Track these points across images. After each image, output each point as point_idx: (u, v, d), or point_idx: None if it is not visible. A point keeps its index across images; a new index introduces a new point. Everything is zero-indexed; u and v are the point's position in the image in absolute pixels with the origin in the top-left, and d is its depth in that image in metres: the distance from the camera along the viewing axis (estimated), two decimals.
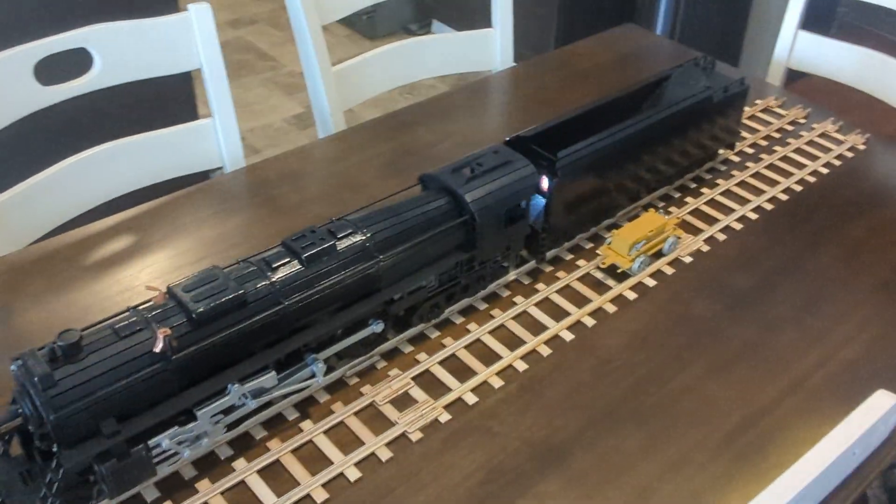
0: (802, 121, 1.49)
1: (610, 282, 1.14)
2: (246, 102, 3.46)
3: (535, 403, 0.98)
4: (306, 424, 0.94)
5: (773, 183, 1.33)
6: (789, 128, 1.47)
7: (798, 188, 1.32)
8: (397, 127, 1.49)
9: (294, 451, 0.91)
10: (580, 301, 1.11)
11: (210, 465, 0.90)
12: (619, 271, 1.14)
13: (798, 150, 1.40)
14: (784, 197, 1.30)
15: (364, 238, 0.94)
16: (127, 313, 0.84)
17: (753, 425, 0.95)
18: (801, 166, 1.36)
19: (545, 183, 1.08)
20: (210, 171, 1.47)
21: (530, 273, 1.16)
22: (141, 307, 0.85)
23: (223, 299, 0.84)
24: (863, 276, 1.16)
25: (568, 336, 1.06)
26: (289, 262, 0.90)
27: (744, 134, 1.44)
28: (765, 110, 1.51)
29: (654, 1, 2.65)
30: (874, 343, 1.06)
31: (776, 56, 1.70)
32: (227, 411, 0.88)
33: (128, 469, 0.81)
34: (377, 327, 0.98)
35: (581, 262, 1.17)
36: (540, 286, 1.13)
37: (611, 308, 1.10)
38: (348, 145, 1.46)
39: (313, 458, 0.91)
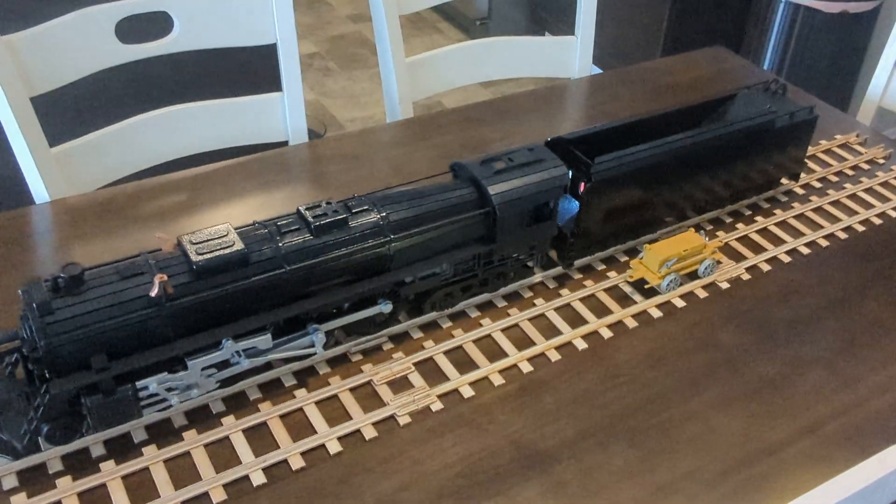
0: (882, 161, 1.40)
1: (637, 297, 1.11)
2: (352, 93, 3.54)
3: (532, 406, 0.96)
4: (300, 393, 0.95)
5: (835, 220, 1.26)
6: (865, 166, 1.39)
7: (860, 228, 1.25)
8: (461, 122, 1.49)
9: (282, 417, 0.93)
10: (602, 312, 1.08)
11: (200, 418, 0.92)
12: (646, 287, 1.11)
13: (869, 190, 1.32)
14: (843, 235, 1.23)
15: (378, 217, 0.94)
16: (137, 258, 0.87)
17: (755, 464, 0.91)
18: (868, 206, 1.29)
19: (579, 187, 1.06)
20: (275, 143, 1.51)
21: (557, 278, 1.13)
22: (151, 253, 0.88)
23: (225, 254, 0.86)
24: None
25: (581, 345, 1.04)
26: (298, 229, 0.91)
27: (814, 167, 1.37)
28: (843, 146, 1.43)
29: (763, 33, 2.55)
30: None
31: (869, 94, 1.62)
32: (220, 366, 0.90)
33: (113, 406, 0.84)
34: (385, 307, 0.98)
35: (612, 274, 1.14)
36: (564, 292, 1.11)
37: (632, 323, 1.07)
38: (410, 133, 1.47)
39: (300, 426, 0.92)
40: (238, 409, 0.93)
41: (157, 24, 1.37)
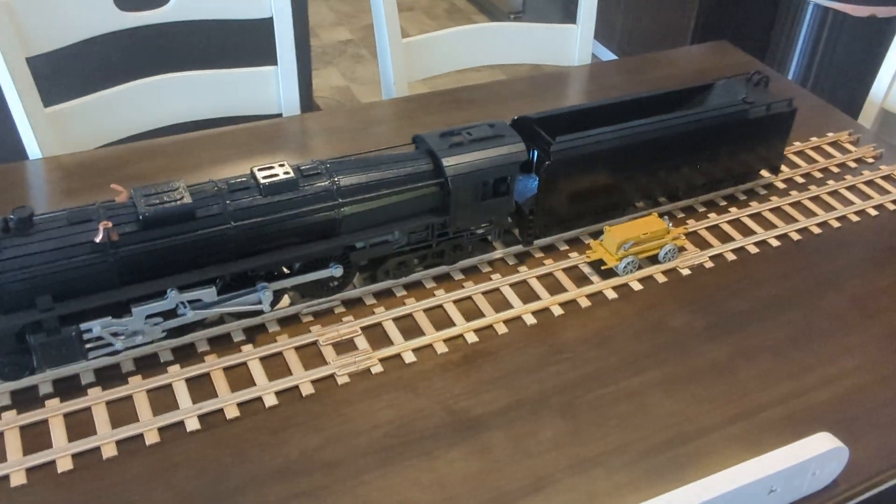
0: (871, 160, 1.38)
1: (595, 278, 1.11)
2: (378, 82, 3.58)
3: (471, 376, 0.97)
4: (247, 348, 0.98)
5: (811, 214, 1.24)
6: (853, 164, 1.37)
7: (836, 224, 1.23)
8: (452, 103, 1.50)
9: (226, 369, 0.96)
10: (557, 290, 1.09)
11: (147, 365, 0.95)
12: (604, 268, 1.11)
13: (852, 188, 1.31)
14: (817, 230, 1.22)
15: (329, 181, 0.96)
16: (90, 206, 0.91)
17: (683, 444, 0.91)
18: (848, 203, 1.27)
19: (539, 165, 1.07)
20: (268, 116, 1.54)
21: (518, 255, 1.14)
22: (105, 203, 0.91)
23: (171, 207, 0.89)
24: (871, 323, 1.07)
25: (530, 320, 1.05)
26: (248, 189, 0.94)
27: (799, 162, 1.36)
28: (833, 143, 1.42)
29: (790, 35, 2.51)
30: (855, 392, 0.98)
31: (871, 96, 1.59)
32: (166, 316, 0.93)
33: (57, 345, 0.88)
34: (336, 271, 1.01)
35: (573, 255, 1.14)
36: (522, 269, 1.12)
37: (585, 303, 1.08)
38: (399, 112, 1.49)
39: (241, 379, 0.95)
40: (185, 359, 0.96)
41: None
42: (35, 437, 0.87)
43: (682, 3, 2.76)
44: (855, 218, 1.25)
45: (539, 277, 1.11)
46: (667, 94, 1.21)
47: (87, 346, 0.90)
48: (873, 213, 1.26)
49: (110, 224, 0.86)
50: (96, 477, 0.84)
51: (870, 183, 1.32)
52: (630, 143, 1.11)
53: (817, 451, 0.84)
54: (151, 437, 0.87)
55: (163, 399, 0.92)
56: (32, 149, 1.34)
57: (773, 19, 2.59)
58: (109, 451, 0.86)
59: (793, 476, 0.84)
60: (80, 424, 0.88)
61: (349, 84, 3.47)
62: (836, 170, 1.35)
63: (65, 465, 0.84)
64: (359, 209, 0.98)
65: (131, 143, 1.36)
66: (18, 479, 0.82)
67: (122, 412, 0.90)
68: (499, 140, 1.04)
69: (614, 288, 1.10)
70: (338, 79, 3.48)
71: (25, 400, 0.90)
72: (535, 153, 1.09)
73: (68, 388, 0.92)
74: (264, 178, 0.94)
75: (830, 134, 1.44)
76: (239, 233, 0.93)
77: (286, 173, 0.95)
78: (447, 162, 1.01)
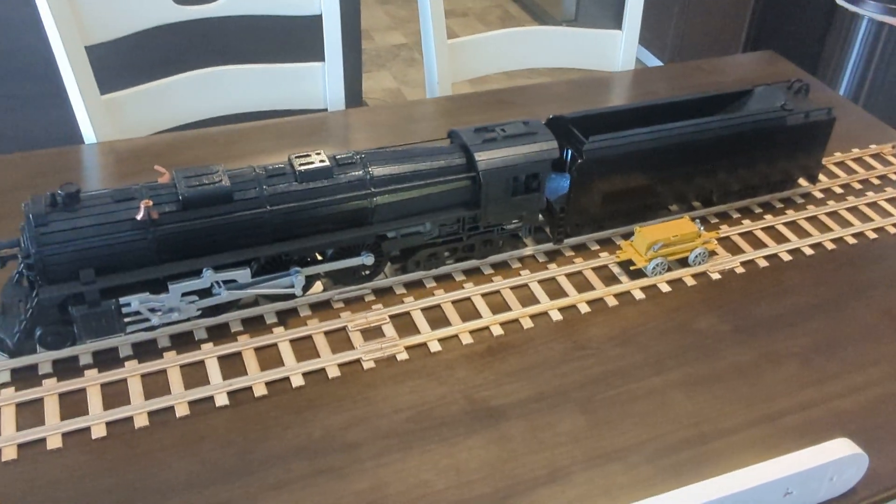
0: None
1: (624, 278, 1.12)
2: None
3: (494, 367, 0.99)
4: (279, 330, 1.01)
5: (847, 224, 1.23)
6: (894, 177, 1.35)
7: (872, 235, 1.22)
8: (493, 103, 1.52)
9: (257, 349, 0.99)
10: (585, 288, 1.10)
11: (182, 342, 0.99)
12: (632, 268, 1.12)
13: (891, 200, 1.29)
14: (852, 241, 1.21)
15: (363, 171, 0.99)
16: (135, 186, 0.95)
17: (702, 444, 0.91)
18: (886, 215, 1.26)
19: (572, 164, 1.09)
20: (314, 110, 1.58)
21: (549, 253, 1.16)
22: (148, 183, 0.95)
23: (210, 189, 0.92)
24: None
25: (556, 316, 1.06)
26: (285, 175, 0.97)
27: (839, 172, 1.35)
28: (876, 155, 1.40)
29: (842, 55, 2.48)
30: (879, 401, 0.97)
31: None
32: (202, 295, 0.97)
33: (97, 317, 0.92)
34: (367, 259, 1.03)
35: (604, 255, 1.15)
36: (552, 266, 1.13)
37: (612, 301, 1.09)
38: (442, 110, 1.52)
39: (270, 359, 0.98)
40: (218, 338, 1.00)
41: None
42: (73, 405, 0.91)
43: (733, 14, 2.75)
44: (893, 230, 1.24)
45: (568, 275, 1.12)
46: (704, 99, 1.21)
47: (126, 320, 0.94)
48: None
49: (151, 203, 0.90)
50: (127, 445, 0.87)
51: None
52: (664, 145, 1.12)
53: (835, 456, 0.84)
54: (182, 410, 0.91)
55: (195, 374, 0.95)
56: (88, 134, 1.39)
57: (826, 33, 2.55)
58: (141, 421, 0.89)
59: (809, 480, 0.84)
60: (115, 394, 0.92)
61: (400, 86, 3.52)
62: (876, 181, 1.34)
63: (99, 431, 0.88)
64: (391, 199, 1.01)
65: (181, 131, 1.41)
66: (54, 443, 0.86)
67: (155, 385, 0.94)
68: (532, 137, 1.05)
69: (642, 288, 1.11)
70: (389, 81, 3.53)
71: (66, 369, 0.94)
72: (569, 152, 1.11)
73: (107, 360, 0.96)
74: (301, 165, 0.97)
75: (873, 146, 1.42)
76: (274, 217, 0.96)
77: (322, 161, 0.98)
78: (479, 157, 1.03)
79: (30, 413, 0.89)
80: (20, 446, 0.86)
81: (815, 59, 2.61)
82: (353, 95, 2.28)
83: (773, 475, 0.82)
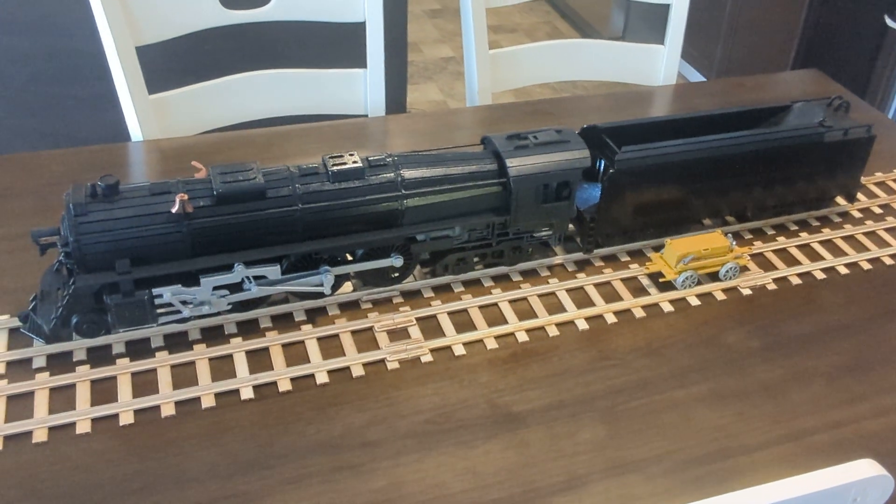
0: None
1: (653, 290, 1.12)
2: None
3: (518, 373, 0.99)
4: (307, 328, 1.03)
5: (884, 245, 1.21)
6: None
7: None
8: (532, 114, 1.53)
9: (284, 346, 1.00)
10: (612, 299, 1.10)
11: (213, 336, 1.01)
12: (661, 280, 1.11)
13: None
14: (889, 261, 1.19)
15: (394, 173, 1.00)
16: (172, 181, 0.97)
17: (724, 459, 0.90)
18: None
19: (604, 174, 1.09)
20: (355, 116, 1.60)
21: (578, 263, 1.16)
22: (184, 179, 0.97)
23: (244, 185, 0.94)
24: None
25: (582, 325, 1.06)
26: (318, 175, 0.99)
27: (878, 192, 1.33)
28: None
29: (892, 77, 2.44)
30: None
31: None
32: (232, 289, 0.99)
33: (130, 307, 0.94)
34: (396, 261, 1.04)
35: (634, 266, 1.15)
36: (580, 276, 1.13)
37: (639, 313, 1.08)
38: (480, 119, 1.53)
39: (297, 356, 0.99)
40: (248, 333, 1.02)
41: None
42: (103, 392, 0.93)
43: (782, 34, 2.72)
44: None
45: (596, 285, 1.12)
46: (741, 113, 1.21)
47: (158, 311, 0.97)
48: None
49: (186, 196, 0.92)
50: (154, 433, 0.89)
51: None
52: (697, 158, 1.11)
53: (859, 477, 0.82)
54: (208, 402, 0.93)
55: (223, 368, 0.97)
56: (135, 132, 1.43)
57: (877, 54, 2.51)
58: (168, 411, 0.91)
59: (831, 499, 0.82)
60: (145, 384, 0.94)
61: (446, 99, 3.54)
62: None
63: (127, 418, 0.90)
64: (421, 202, 1.02)
65: (225, 132, 1.44)
66: (83, 428, 0.89)
67: (184, 376, 0.96)
68: (564, 146, 1.06)
69: (671, 301, 1.10)
70: (435, 93, 3.55)
71: (99, 357, 0.97)
72: (602, 162, 1.11)
73: (139, 350, 0.98)
74: (333, 165, 0.99)
75: None
76: (305, 215, 0.97)
77: (354, 162, 1.00)
78: (511, 163, 1.03)
79: (62, 398, 0.92)
80: (51, 429, 0.88)
81: (865, 81, 2.57)
82: (398, 105, 2.30)
83: (792, 493, 0.81)
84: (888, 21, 2.45)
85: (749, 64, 2.98)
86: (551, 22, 4.16)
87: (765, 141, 1.13)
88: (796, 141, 1.15)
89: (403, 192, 1.00)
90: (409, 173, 1.01)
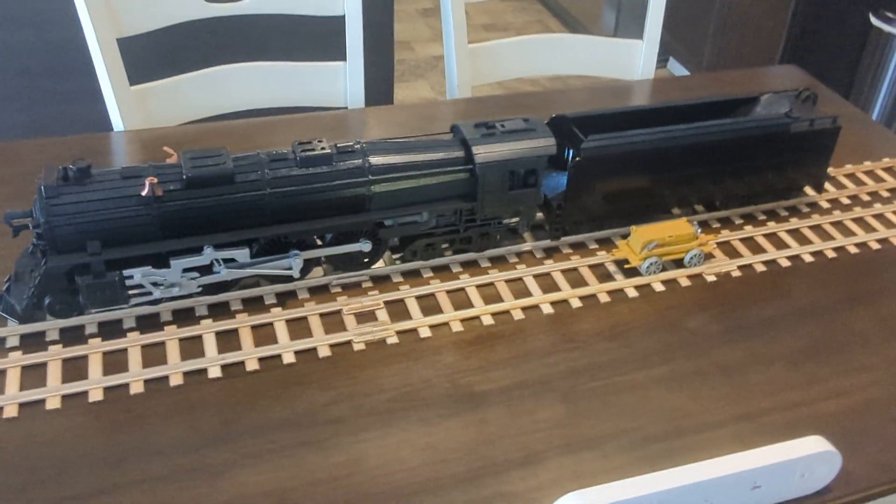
0: None
1: (619, 276, 1.14)
2: None
3: (481, 354, 1.01)
4: (276, 310, 1.05)
5: (850, 234, 1.23)
6: None
7: (875, 245, 1.22)
8: (509, 106, 1.55)
9: (253, 327, 1.02)
10: (579, 284, 1.12)
11: (184, 318, 1.03)
12: (626, 266, 1.13)
13: None
14: (854, 250, 1.21)
15: (362, 159, 1.03)
16: (144, 165, 0.99)
17: (679, 437, 0.92)
18: (891, 226, 1.25)
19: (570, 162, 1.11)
20: (333, 108, 1.63)
21: (547, 250, 1.18)
22: (156, 163, 1.00)
23: (213, 170, 0.96)
24: (894, 343, 1.06)
25: (547, 309, 1.08)
26: (287, 160, 1.01)
27: (848, 184, 1.35)
28: (888, 168, 1.39)
29: (876, 78, 2.45)
30: (864, 406, 0.97)
31: None
32: (203, 272, 1.01)
33: (101, 287, 0.96)
34: (365, 246, 1.07)
35: (601, 254, 1.17)
36: (548, 262, 1.15)
37: (604, 298, 1.10)
38: (457, 111, 1.55)
39: (265, 337, 1.01)
40: (218, 315, 1.04)
41: None
42: (74, 370, 0.95)
43: (769, 33, 2.74)
44: None
45: (563, 271, 1.14)
46: (710, 104, 1.23)
47: (130, 292, 0.99)
48: None
49: (155, 180, 0.94)
50: (122, 409, 0.91)
51: None
52: (662, 147, 1.13)
53: (806, 453, 0.84)
54: (176, 380, 0.95)
55: (192, 348, 0.99)
56: (117, 122, 1.46)
57: (862, 52, 2.53)
58: (137, 388, 0.94)
59: (779, 474, 0.84)
60: (115, 363, 0.97)
61: (437, 96, 3.56)
62: (885, 194, 1.34)
63: (96, 395, 0.92)
64: (388, 188, 1.04)
65: (205, 122, 1.47)
66: (53, 404, 0.91)
67: (154, 356, 0.98)
68: (530, 134, 1.08)
69: (636, 287, 1.12)
70: (426, 91, 3.58)
71: (72, 337, 0.99)
72: (570, 151, 1.13)
73: (111, 330, 1.01)
74: (302, 151, 1.01)
75: (886, 159, 1.42)
76: (274, 199, 1.00)
77: (323, 149, 1.02)
78: (477, 150, 1.05)
79: (34, 376, 0.94)
80: (21, 405, 0.91)
81: (850, 79, 2.59)
82: (386, 101, 2.33)
83: (739, 467, 0.83)
84: (872, 19, 2.47)
85: (737, 62, 3.00)
86: (543, 21, 4.18)
87: (730, 131, 1.15)
88: (762, 131, 1.17)
89: (371, 177, 1.03)
90: (376, 159, 1.03)
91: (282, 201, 1.00)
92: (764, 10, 2.79)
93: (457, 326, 1.05)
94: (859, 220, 1.27)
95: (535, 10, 4.32)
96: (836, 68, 2.65)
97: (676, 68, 3.57)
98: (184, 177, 0.96)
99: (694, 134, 1.14)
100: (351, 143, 1.04)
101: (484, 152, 1.06)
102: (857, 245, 1.22)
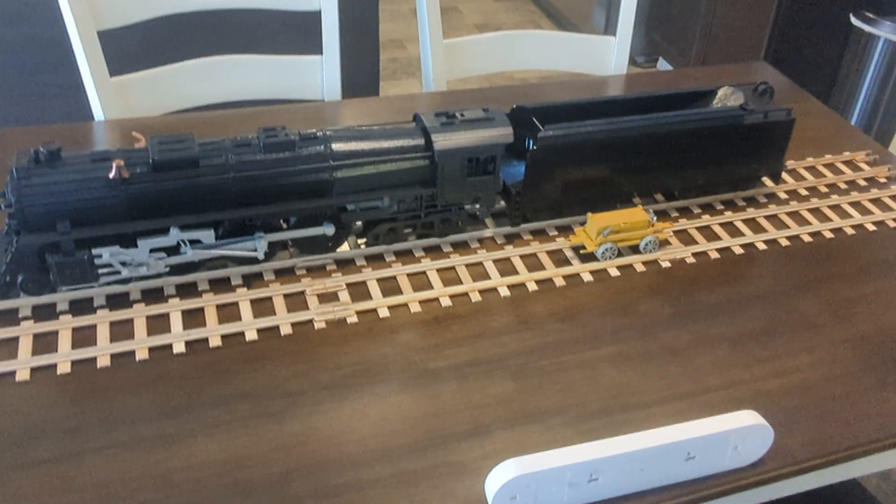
0: (883, 180, 1.39)
1: (576, 262, 1.17)
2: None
3: (437, 334, 1.05)
4: (242, 291, 1.09)
5: (805, 223, 1.27)
6: (863, 182, 1.38)
7: (829, 235, 1.26)
8: (482, 100, 1.59)
9: (219, 306, 1.06)
10: (536, 269, 1.16)
11: (152, 297, 1.07)
12: (582, 252, 1.17)
13: (855, 203, 1.32)
14: (808, 239, 1.25)
15: (324, 146, 1.07)
16: (114, 149, 1.04)
17: (621, 412, 0.96)
18: (846, 216, 1.29)
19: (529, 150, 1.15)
20: (310, 100, 1.67)
21: (508, 236, 1.22)
22: (125, 148, 1.04)
23: (178, 154, 1.00)
24: (840, 327, 1.09)
25: (504, 292, 1.12)
26: (250, 146, 1.05)
27: (807, 176, 1.38)
28: (848, 162, 1.43)
29: (857, 78, 2.49)
30: (803, 385, 1.01)
31: None
32: (169, 252, 1.05)
33: (71, 266, 1.00)
34: (328, 229, 1.10)
35: (560, 240, 1.21)
36: (508, 248, 1.19)
37: (560, 282, 1.14)
38: (432, 103, 1.59)
39: (230, 316, 1.05)
40: (185, 295, 1.08)
41: None
42: (44, 345, 0.99)
43: (753, 32, 2.78)
44: (850, 231, 1.27)
45: (522, 256, 1.18)
46: (667, 96, 1.27)
47: (99, 271, 1.03)
48: (871, 227, 1.28)
49: (122, 162, 0.98)
50: (88, 382, 0.95)
51: (876, 201, 1.34)
52: (617, 137, 1.17)
53: (738, 425, 0.88)
54: (141, 354, 0.99)
55: (159, 325, 1.03)
56: (98, 112, 1.50)
57: (842, 53, 2.57)
58: (104, 362, 0.98)
59: (711, 446, 0.88)
60: (84, 339, 1.01)
61: None
62: (843, 186, 1.37)
63: (64, 368, 0.96)
64: (350, 174, 1.08)
65: (183, 113, 1.51)
66: (23, 376, 0.95)
67: (121, 332, 1.02)
68: (489, 123, 1.12)
69: (592, 272, 1.16)
70: (416, 88, 3.62)
71: (43, 314, 1.03)
72: (529, 141, 1.17)
73: (82, 308, 1.05)
74: (266, 137, 1.05)
75: (847, 153, 1.45)
76: (237, 183, 1.04)
77: (286, 135, 1.06)
78: (436, 138, 1.09)
79: (4, 350, 0.98)
80: None
81: (832, 78, 2.62)
82: (371, 96, 2.37)
83: (672, 438, 0.87)
84: (853, 20, 2.51)
85: (723, 61, 3.04)
86: (535, 20, 4.22)
87: (683, 122, 1.19)
88: (715, 122, 1.21)
89: (332, 163, 1.07)
90: (338, 146, 1.07)
91: (245, 185, 1.04)
92: (747, 12, 2.83)
93: (415, 307, 1.09)
94: (815, 211, 1.31)
95: (527, 10, 4.37)
96: (817, 68, 2.69)
97: (665, 68, 3.61)
98: (150, 160, 1.00)
99: (647, 125, 1.18)
100: (314, 131, 1.08)
101: (443, 140, 1.10)
102: (810, 234, 1.26)
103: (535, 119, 1.16)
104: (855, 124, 2.50)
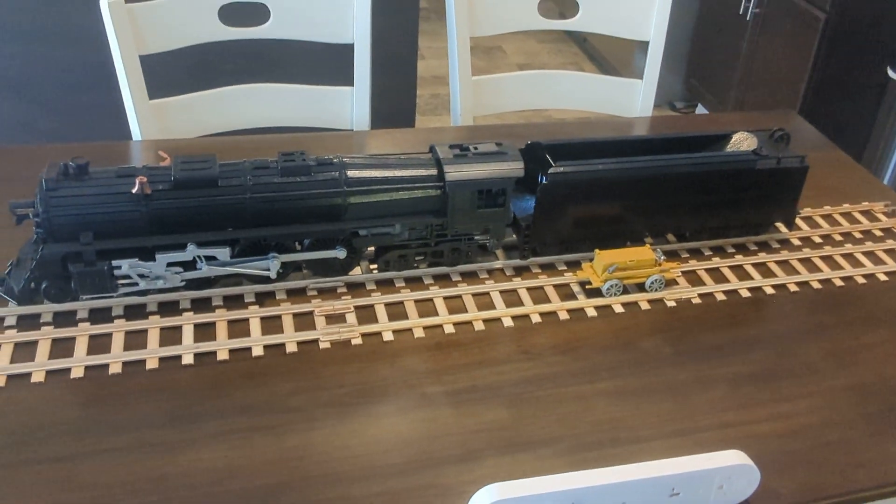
0: None
1: (581, 296, 1.19)
2: None
3: (438, 360, 1.07)
4: (253, 308, 1.13)
5: (816, 270, 1.27)
6: (878, 233, 1.38)
7: (839, 283, 1.26)
8: (507, 135, 1.61)
9: (230, 322, 1.10)
10: (542, 301, 1.18)
11: (168, 310, 1.11)
12: (588, 287, 1.19)
13: (869, 253, 1.32)
14: (818, 286, 1.25)
15: (339, 172, 1.11)
16: (139, 166, 1.09)
17: (613, 446, 0.97)
18: (858, 265, 1.29)
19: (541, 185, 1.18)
20: (339, 129, 1.72)
21: (517, 269, 1.24)
22: (150, 165, 1.09)
23: (199, 174, 1.05)
24: (840, 374, 1.09)
25: (508, 322, 1.14)
26: (268, 168, 1.09)
27: (822, 224, 1.39)
28: (866, 212, 1.43)
29: (891, 136, 2.47)
30: (798, 430, 1.01)
31: None
32: (186, 267, 1.09)
33: (92, 275, 1.05)
34: (340, 253, 1.14)
35: (568, 275, 1.23)
36: (516, 280, 1.21)
37: (564, 315, 1.16)
38: (458, 137, 1.63)
39: (240, 331, 1.09)
40: (200, 310, 1.12)
41: (259, 13, 1.62)
42: (62, 350, 1.04)
43: (789, 82, 2.78)
44: (861, 280, 1.27)
45: (529, 289, 1.20)
46: (681, 139, 1.28)
47: (118, 282, 1.08)
48: (883, 277, 1.28)
49: (145, 179, 1.03)
50: (99, 387, 1.00)
51: (890, 251, 1.33)
52: (628, 176, 1.19)
53: (723, 464, 0.89)
54: (152, 364, 1.03)
55: (171, 337, 1.07)
56: (136, 133, 1.56)
57: (878, 107, 2.56)
58: (115, 369, 1.02)
59: (696, 483, 0.88)
60: (99, 346, 1.05)
61: None
62: (858, 235, 1.37)
63: (77, 373, 1.01)
64: (363, 200, 1.12)
65: (217, 137, 1.57)
66: (38, 378, 1.00)
67: (135, 341, 1.06)
68: (501, 157, 1.15)
69: (596, 307, 1.17)
70: (445, 123, 3.68)
71: (64, 320, 1.08)
72: (541, 176, 1.20)
73: (100, 317, 1.09)
74: (284, 161, 1.10)
75: (866, 203, 1.45)
76: (254, 204, 1.08)
77: (303, 160, 1.10)
78: (448, 169, 1.13)
79: (24, 352, 1.03)
80: (9, 377, 0.99)
81: (867, 135, 2.61)
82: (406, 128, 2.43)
83: (657, 472, 0.88)
84: (890, 72, 2.50)
85: (759, 110, 3.04)
86: (578, 63, 4.27)
87: (695, 164, 1.21)
88: (727, 166, 1.22)
89: (346, 188, 1.10)
90: (353, 173, 1.11)
91: (262, 206, 1.08)
92: (785, 63, 2.84)
93: (419, 333, 1.11)
94: (827, 258, 1.31)
95: (570, 53, 4.41)
96: (853, 122, 2.68)
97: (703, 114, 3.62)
98: (172, 178, 1.05)
99: (657, 166, 1.20)
100: (330, 157, 1.13)
101: (454, 171, 1.13)
102: (820, 281, 1.26)
103: (547, 155, 1.19)
104: (888, 179, 2.48)
